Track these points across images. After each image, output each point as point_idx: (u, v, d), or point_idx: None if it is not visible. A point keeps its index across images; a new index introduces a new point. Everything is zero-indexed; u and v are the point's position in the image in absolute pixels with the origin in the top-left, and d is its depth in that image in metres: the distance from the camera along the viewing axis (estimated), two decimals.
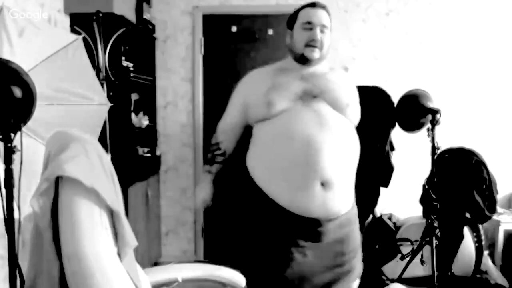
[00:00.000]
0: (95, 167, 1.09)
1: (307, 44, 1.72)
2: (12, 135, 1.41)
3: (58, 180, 1.06)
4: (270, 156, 1.68)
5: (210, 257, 3.71)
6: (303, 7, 1.79)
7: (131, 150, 3.15)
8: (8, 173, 1.41)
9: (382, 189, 2.83)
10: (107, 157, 1.16)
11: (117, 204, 1.11)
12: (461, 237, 2.93)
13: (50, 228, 1.06)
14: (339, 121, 1.69)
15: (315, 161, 1.60)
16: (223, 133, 1.87)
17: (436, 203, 2.50)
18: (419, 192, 2.94)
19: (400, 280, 2.74)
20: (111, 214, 1.11)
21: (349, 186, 1.73)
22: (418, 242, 2.70)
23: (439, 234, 2.53)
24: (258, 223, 1.74)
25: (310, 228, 1.67)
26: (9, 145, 1.40)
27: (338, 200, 1.66)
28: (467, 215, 2.86)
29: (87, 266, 1.02)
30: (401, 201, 3.38)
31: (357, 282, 1.85)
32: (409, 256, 2.72)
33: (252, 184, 1.74)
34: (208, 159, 1.86)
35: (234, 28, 3.60)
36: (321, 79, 1.75)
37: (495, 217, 3.10)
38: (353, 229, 1.80)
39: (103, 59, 2.65)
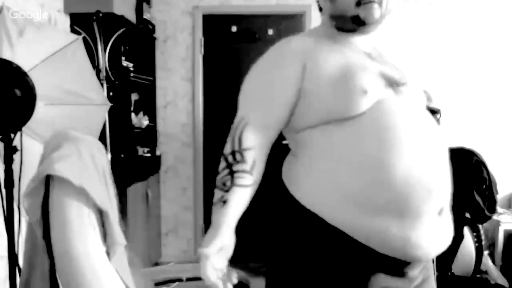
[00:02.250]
0: (88, 168, 1.09)
1: (360, 1, 1.13)
2: (12, 135, 1.42)
3: (49, 179, 1.07)
4: (352, 172, 1.07)
5: None
6: None
7: (131, 150, 3.15)
8: (8, 173, 1.42)
9: None
10: (103, 158, 1.15)
11: (108, 204, 1.11)
12: (461, 237, 2.92)
13: (41, 225, 1.07)
14: (433, 121, 1.21)
15: (433, 178, 1.09)
16: (254, 136, 1.10)
17: None
18: None
19: None
20: (100, 214, 1.11)
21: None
22: None
23: None
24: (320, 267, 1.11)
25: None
26: (9, 145, 1.41)
27: (448, 228, 1.18)
28: (467, 215, 2.85)
29: (78, 265, 1.03)
30: None
31: None
32: None
33: (299, 212, 1.11)
34: (222, 178, 1.07)
35: (234, 28, 3.60)
36: (394, 58, 1.23)
37: (495, 217, 3.09)
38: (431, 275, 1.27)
39: (103, 59, 2.65)
